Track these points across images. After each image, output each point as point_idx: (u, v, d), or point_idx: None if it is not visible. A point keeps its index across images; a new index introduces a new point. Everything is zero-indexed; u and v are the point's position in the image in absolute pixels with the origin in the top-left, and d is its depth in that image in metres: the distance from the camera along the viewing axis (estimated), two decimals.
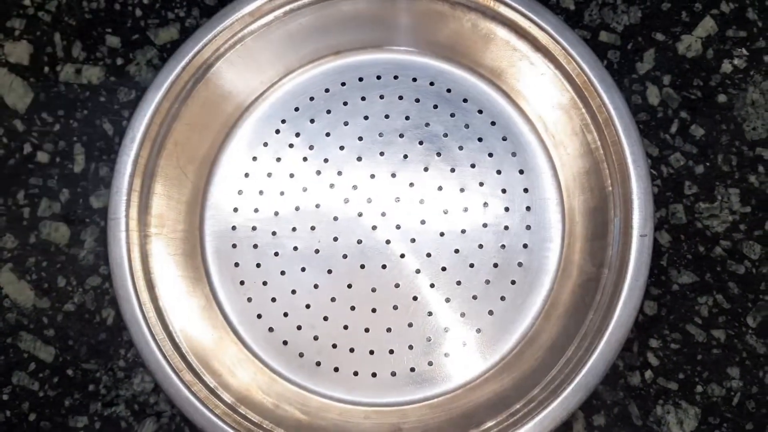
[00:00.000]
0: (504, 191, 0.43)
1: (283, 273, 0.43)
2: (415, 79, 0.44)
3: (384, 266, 0.42)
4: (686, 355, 0.41)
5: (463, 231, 0.42)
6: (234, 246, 0.43)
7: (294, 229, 0.43)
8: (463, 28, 0.42)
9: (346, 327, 0.42)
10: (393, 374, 0.41)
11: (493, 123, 0.43)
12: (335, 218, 0.43)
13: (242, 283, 0.43)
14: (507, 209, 0.43)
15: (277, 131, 0.44)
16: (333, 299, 0.42)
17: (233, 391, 0.39)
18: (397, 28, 0.44)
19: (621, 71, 0.44)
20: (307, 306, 0.42)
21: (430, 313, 0.42)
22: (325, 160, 0.44)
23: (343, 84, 0.44)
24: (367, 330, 0.42)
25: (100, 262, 0.43)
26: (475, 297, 0.42)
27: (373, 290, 0.42)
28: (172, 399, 0.38)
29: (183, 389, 0.37)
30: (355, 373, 0.41)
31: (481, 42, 0.43)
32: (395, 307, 0.42)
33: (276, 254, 0.43)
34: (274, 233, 0.43)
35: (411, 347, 0.42)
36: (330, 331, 0.42)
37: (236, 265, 0.43)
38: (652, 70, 0.44)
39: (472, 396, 0.41)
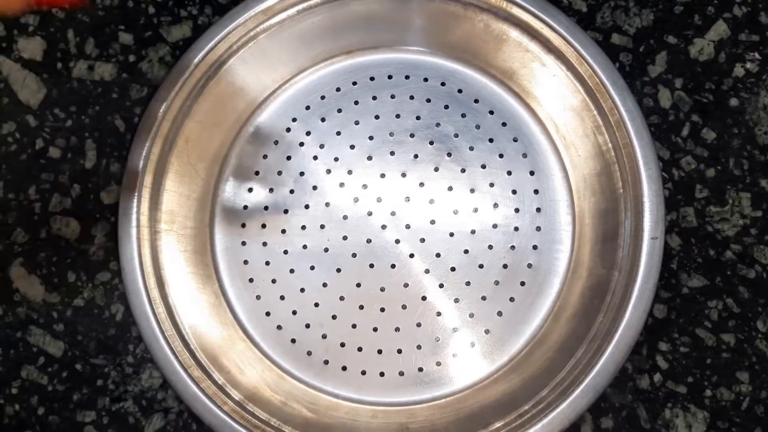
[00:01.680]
0: (514, 192, 0.43)
1: (292, 271, 0.43)
2: (426, 79, 0.44)
3: (393, 266, 0.42)
4: (695, 358, 0.41)
5: (473, 231, 0.42)
6: (243, 243, 0.43)
7: (303, 228, 0.43)
8: (476, 29, 0.42)
9: (354, 326, 0.42)
10: (401, 374, 0.41)
11: (504, 124, 0.43)
12: (345, 217, 0.43)
13: (251, 280, 0.43)
14: (517, 210, 0.43)
15: (288, 129, 0.44)
16: (341, 298, 0.42)
17: (241, 389, 0.39)
18: (409, 29, 0.44)
19: (633, 74, 0.44)
20: (316, 304, 0.42)
21: (438, 313, 0.42)
22: (336, 159, 0.44)
23: (355, 83, 0.44)
24: (375, 329, 0.42)
25: (110, 258, 0.43)
26: (484, 298, 0.42)
27: (382, 290, 0.42)
28: (180, 395, 0.38)
29: (191, 385, 0.37)
30: (363, 372, 0.41)
31: (493, 43, 0.43)
32: (404, 307, 0.42)
33: (285, 252, 0.43)
34: (283, 231, 0.43)
35: (419, 347, 0.42)
36: (338, 330, 0.42)
37: (245, 262, 0.43)
38: (664, 73, 0.44)
39: (479, 397, 0.41)
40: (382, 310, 0.42)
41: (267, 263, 0.43)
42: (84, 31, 0.46)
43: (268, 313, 0.42)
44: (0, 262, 0.43)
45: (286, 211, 0.43)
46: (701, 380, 0.41)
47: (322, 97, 0.44)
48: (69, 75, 0.46)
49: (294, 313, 0.42)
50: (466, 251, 0.42)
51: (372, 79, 0.45)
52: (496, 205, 0.43)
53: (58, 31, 0.46)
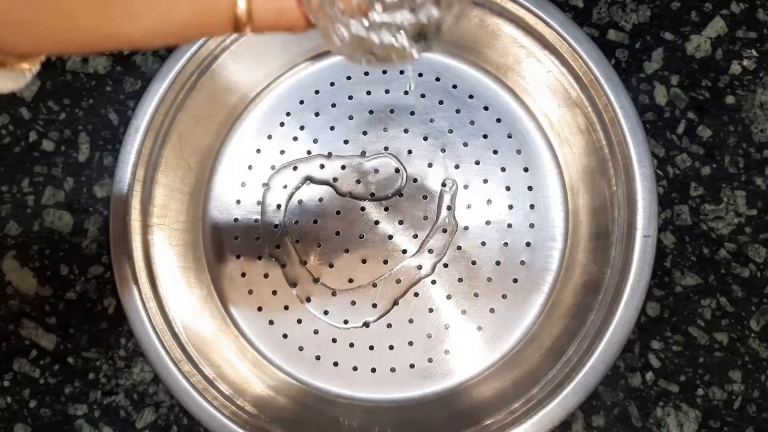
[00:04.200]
0: (508, 189, 0.42)
1: (284, 266, 0.42)
2: (420, 75, 0.44)
3: (386, 261, 0.42)
4: (688, 357, 0.41)
5: (466, 228, 0.42)
6: (236, 238, 0.43)
7: (296, 222, 0.43)
8: (470, 24, 0.42)
9: (346, 322, 0.42)
10: (392, 370, 0.41)
11: (498, 120, 0.43)
12: (338, 212, 0.43)
13: (243, 275, 0.43)
14: (511, 207, 0.42)
15: (282, 124, 0.44)
16: (334, 293, 0.42)
17: (231, 383, 0.39)
18: None
19: (629, 70, 0.44)
20: (308, 300, 0.42)
21: (431, 310, 0.42)
22: (329, 154, 0.43)
23: (349, 78, 0.44)
24: (367, 325, 0.42)
25: (102, 251, 0.43)
26: (476, 294, 0.42)
27: (374, 285, 0.42)
28: (170, 389, 0.38)
29: (181, 379, 0.37)
30: (355, 368, 0.41)
31: (487, 38, 0.42)
32: (396, 303, 0.42)
33: (278, 247, 0.43)
34: (276, 226, 0.43)
35: (411, 343, 0.41)
36: (330, 326, 0.42)
37: (238, 257, 0.43)
38: (660, 70, 0.44)
39: (471, 393, 0.40)
40: (374, 306, 0.42)
41: (259, 257, 0.43)
42: None
43: (260, 308, 0.42)
44: None
45: (278, 206, 0.43)
46: (693, 379, 0.41)
47: (316, 92, 0.44)
48: (63, 68, 0.45)
49: (286, 308, 0.42)
50: (458, 248, 0.42)
51: (366, 74, 0.44)
52: (489, 202, 0.42)
53: None
